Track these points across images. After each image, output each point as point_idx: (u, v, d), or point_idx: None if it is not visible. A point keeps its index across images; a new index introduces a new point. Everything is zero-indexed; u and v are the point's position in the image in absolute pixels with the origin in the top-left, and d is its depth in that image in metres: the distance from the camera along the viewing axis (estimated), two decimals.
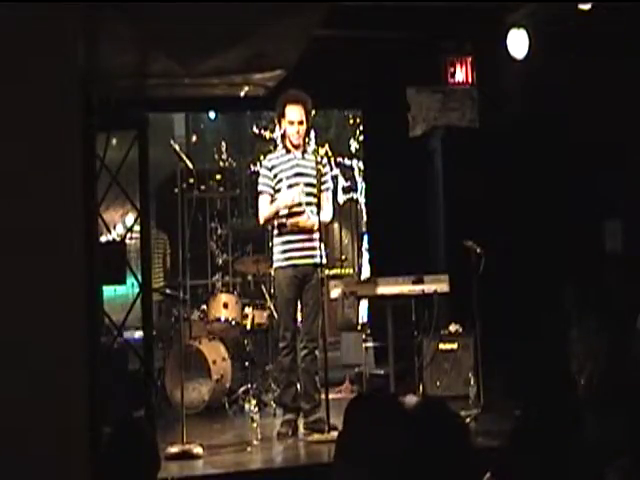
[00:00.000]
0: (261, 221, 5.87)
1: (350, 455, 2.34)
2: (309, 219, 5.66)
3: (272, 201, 5.74)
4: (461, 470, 2.22)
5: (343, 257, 12.66)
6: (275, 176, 5.75)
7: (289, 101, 5.77)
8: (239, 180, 13.36)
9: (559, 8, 6.99)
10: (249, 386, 6.86)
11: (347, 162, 13.30)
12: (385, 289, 6.52)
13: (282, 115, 5.79)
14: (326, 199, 5.81)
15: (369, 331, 8.20)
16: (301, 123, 5.76)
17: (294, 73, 6.17)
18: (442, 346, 6.94)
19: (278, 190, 5.73)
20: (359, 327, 9.19)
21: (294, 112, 5.75)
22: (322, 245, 5.73)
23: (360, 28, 7.43)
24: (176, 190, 6.09)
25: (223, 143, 13.72)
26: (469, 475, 2.23)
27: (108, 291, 7.17)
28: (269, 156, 6.00)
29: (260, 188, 5.83)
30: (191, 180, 7.30)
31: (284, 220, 5.70)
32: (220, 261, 12.12)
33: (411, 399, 6.40)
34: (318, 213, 5.60)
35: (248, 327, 7.25)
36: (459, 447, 2.25)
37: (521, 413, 3.04)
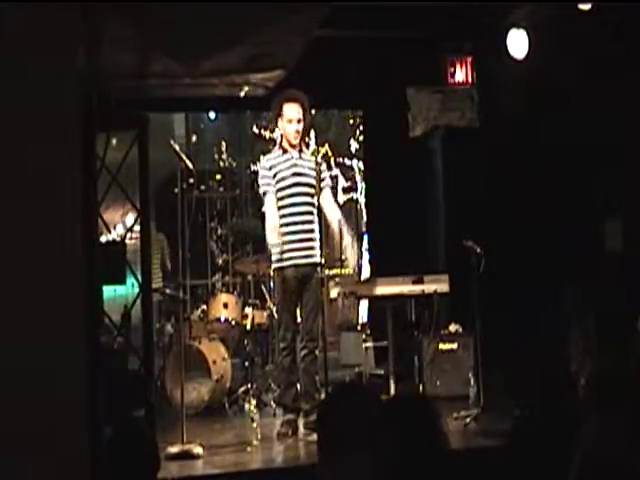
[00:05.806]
0: (268, 235, 5.70)
1: (330, 450, 2.32)
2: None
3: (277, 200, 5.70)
4: (436, 474, 2.20)
5: (343, 257, 12.65)
6: (275, 176, 5.73)
7: (287, 99, 5.74)
8: (239, 180, 13.35)
9: (559, 8, 6.99)
10: (249, 386, 6.86)
11: (347, 162, 13.29)
12: (385, 289, 6.51)
13: (279, 114, 5.75)
14: (328, 196, 5.81)
15: (369, 331, 8.20)
16: (299, 121, 5.73)
17: (294, 73, 6.18)
18: (442, 346, 6.94)
19: (279, 190, 5.72)
20: (359, 327, 9.19)
21: (292, 110, 5.72)
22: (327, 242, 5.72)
23: (360, 28, 7.43)
24: (176, 190, 6.09)
25: (223, 143, 13.71)
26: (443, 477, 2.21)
27: (108, 291, 7.17)
28: (267, 156, 5.92)
29: (263, 189, 5.75)
30: (191, 180, 7.30)
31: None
32: (220, 261, 12.13)
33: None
34: (319, 213, 5.60)
35: (248, 327, 7.24)
36: (434, 450, 2.22)
37: (521, 413, 3.04)
